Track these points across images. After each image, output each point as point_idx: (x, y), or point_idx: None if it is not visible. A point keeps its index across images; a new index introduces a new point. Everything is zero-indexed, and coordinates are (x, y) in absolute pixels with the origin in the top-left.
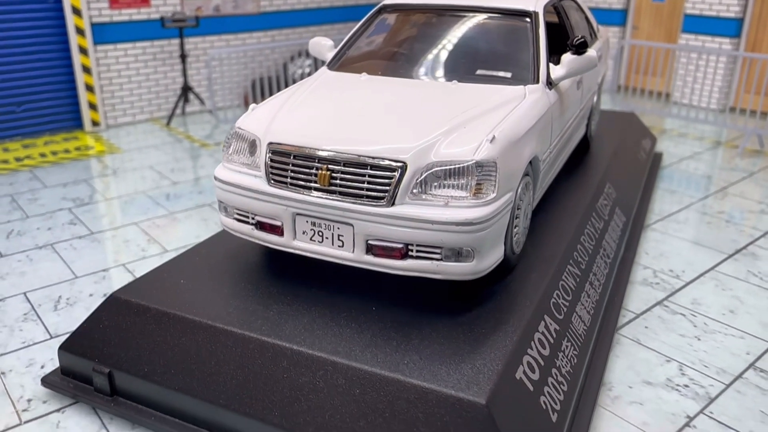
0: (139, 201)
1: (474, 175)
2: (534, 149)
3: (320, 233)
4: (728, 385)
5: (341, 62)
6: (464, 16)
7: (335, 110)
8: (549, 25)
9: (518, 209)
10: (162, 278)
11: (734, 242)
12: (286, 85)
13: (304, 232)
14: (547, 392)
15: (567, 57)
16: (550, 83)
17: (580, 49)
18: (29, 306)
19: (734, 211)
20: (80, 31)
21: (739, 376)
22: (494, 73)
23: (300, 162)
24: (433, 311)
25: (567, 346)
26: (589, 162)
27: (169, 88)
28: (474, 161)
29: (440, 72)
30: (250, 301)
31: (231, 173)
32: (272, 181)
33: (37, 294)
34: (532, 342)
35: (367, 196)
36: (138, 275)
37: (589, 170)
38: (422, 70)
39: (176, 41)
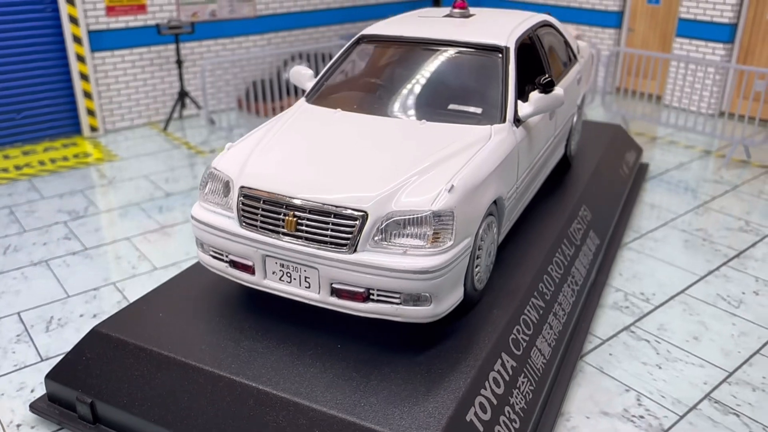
0: (132, 214)
1: (431, 225)
2: (497, 190)
3: (288, 274)
4: (681, 417)
5: (319, 94)
6: (438, 50)
7: (305, 153)
8: (525, 55)
9: (480, 249)
10: (142, 311)
11: (708, 263)
12: (280, 89)
13: (273, 272)
14: (498, 431)
15: (534, 96)
16: (518, 120)
17: (547, 87)
18: (22, 327)
19: (712, 229)
20: (77, 39)
21: (694, 407)
22: (463, 109)
23: (269, 207)
24: (394, 349)
25: (523, 382)
26: (567, 183)
27: (166, 93)
28: (431, 212)
29: (411, 109)
30: (222, 337)
31: (206, 213)
32: (244, 224)
33: (30, 314)
34: (487, 382)
35: (331, 243)
36: (127, 294)
37: (565, 193)
38: (394, 107)
39: (173, 47)
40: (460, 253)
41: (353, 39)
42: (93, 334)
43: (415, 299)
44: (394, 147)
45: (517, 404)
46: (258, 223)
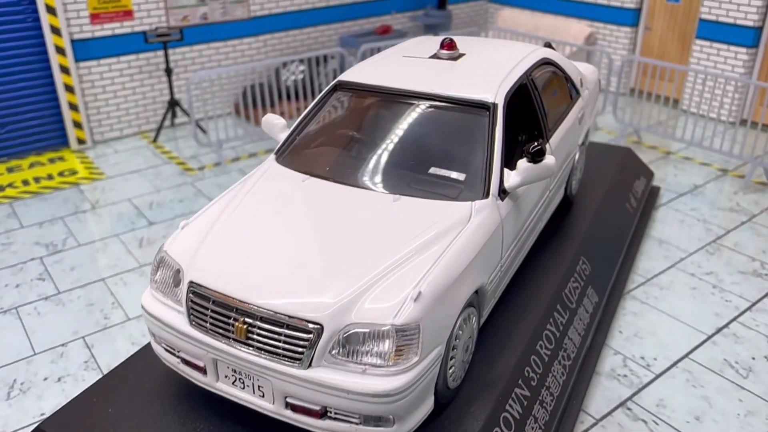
0: (111, 248)
1: (393, 341)
2: (477, 281)
3: (242, 380)
4: None
5: (290, 150)
6: (418, 105)
7: (263, 242)
8: (518, 105)
9: (454, 349)
10: (91, 406)
11: (717, 317)
12: (279, 93)
13: (226, 376)
14: None
15: (522, 165)
16: (504, 191)
17: (537, 157)
18: None
19: (724, 272)
20: (60, 50)
21: None
22: (444, 177)
23: (219, 309)
24: None
25: None
26: (566, 230)
27: (156, 101)
28: (393, 326)
29: (386, 177)
30: None
31: (156, 304)
32: (193, 322)
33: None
34: None
35: (284, 356)
36: (96, 352)
37: (562, 245)
38: (368, 175)
39: (162, 53)
40: (428, 366)
41: (330, 86)
42: None
43: (376, 420)
44: (362, 235)
45: None
46: (208, 325)
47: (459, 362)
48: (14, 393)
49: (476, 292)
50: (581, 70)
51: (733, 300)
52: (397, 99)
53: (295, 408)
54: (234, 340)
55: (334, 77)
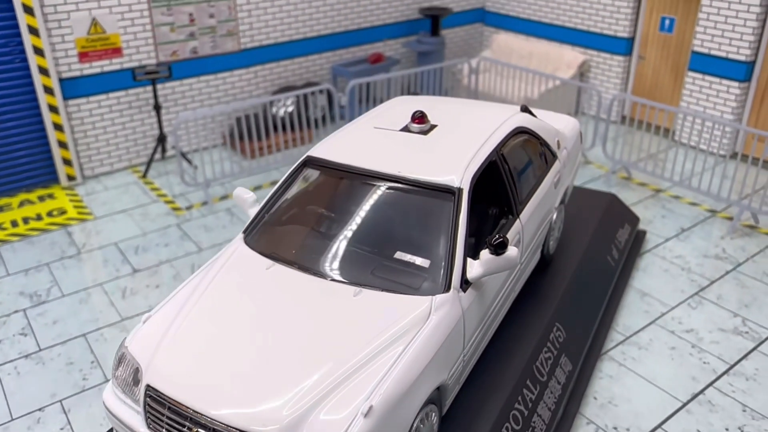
0: (94, 300)
1: None
2: (435, 380)
3: None
4: None
5: (259, 229)
6: (384, 186)
7: (223, 343)
8: (486, 183)
9: None
10: None
11: (694, 381)
12: (266, 124)
13: None
14: None
15: (485, 256)
16: (467, 281)
17: (499, 249)
18: None
19: (704, 330)
20: (48, 90)
21: None
22: (406, 267)
23: (174, 417)
24: None
25: None
26: (542, 293)
27: (147, 135)
28: None
29: (348, 265)
30: None
31: (116, 401)
32: (150, 426)
33: None
34: None
35: None
36: (72, 417)
37: (537, 310)
38: (330, 263)
39: (152, 88)
40: None
41: (299, 162)
42: None
43: None
44: (321, 335)
45: None
46: (164, 431)
47: None
48: None
49: (437, 388)
50: (561, 126)
51: (711, 362)
52: (363, 179)
53: None
54: None
55: (323, 114)
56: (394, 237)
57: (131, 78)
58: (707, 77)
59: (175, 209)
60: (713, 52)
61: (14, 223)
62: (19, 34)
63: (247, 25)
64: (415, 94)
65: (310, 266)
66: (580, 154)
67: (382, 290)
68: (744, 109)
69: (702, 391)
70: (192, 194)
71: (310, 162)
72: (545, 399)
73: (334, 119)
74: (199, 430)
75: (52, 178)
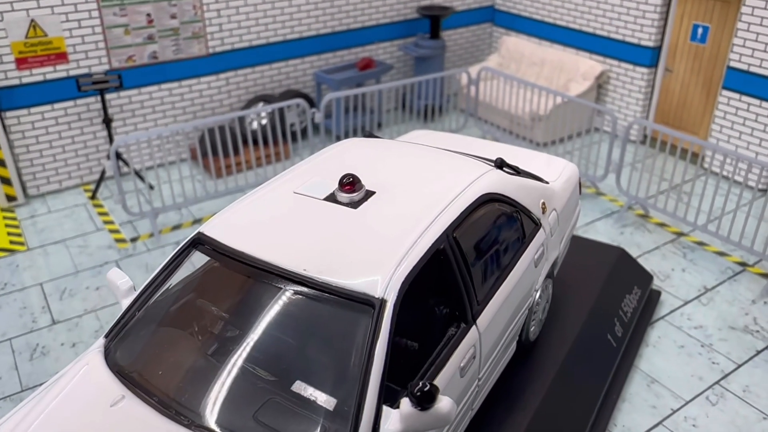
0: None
1: None
2: None
3: None
4: None
5: (126, 332)
6: (288, 289)
7: None
8: (431, 274)
9: None
10: None
11: None
12: (235, 138)
13: None
14: None
15: (406, 408)
16: None
17: (425, 402)
18: None
19: None
20: None
21: None
22: (302, 407)
23: None
24: None
25: None
26: (516, 394)
27: (99, 149)
28: None
29: (224, 408)
30: None
31: None
32: None
33: None
34: None
35: None
36: None
37: (508, 418)
38: (198, 401)
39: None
40: None
41: (188, 240)
42: None
43: None
44: None
45: None
46: None
47: None
48: None
49: None
50: (553, 177)
51: None
52: (261, 275)
53: None
54: None
55: (293, 133)
56: (286, 361)
57: (76, 88)
58: (745, 98)
59: (119, 240)
60: (753, 69)
61: None
62: None
63: (215, 26)
64: (371, 135)
65: (174, 401)
66: (578, 207)
67: None
68: None
69: None
70: (141, 222)
71: (201, 241)
72: None
73: (318, 129)
74: None
75: None
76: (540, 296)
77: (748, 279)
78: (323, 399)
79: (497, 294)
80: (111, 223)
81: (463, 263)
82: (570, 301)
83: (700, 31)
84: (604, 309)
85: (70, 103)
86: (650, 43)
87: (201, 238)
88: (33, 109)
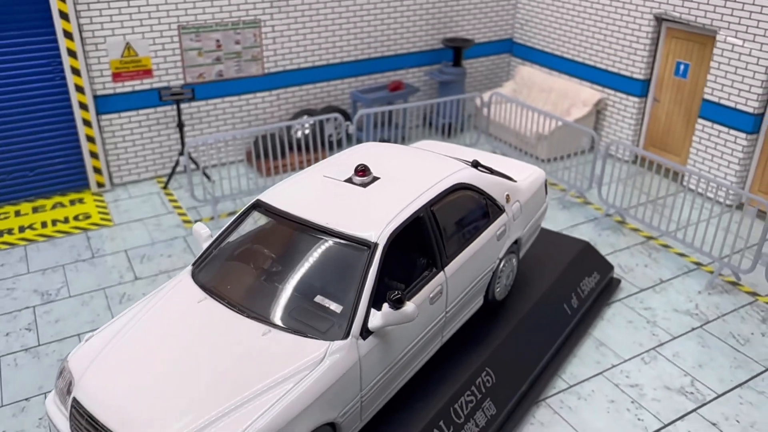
0: (96, 302)
1: None
2: (321, 418)
3: None
4: None
5: (205, 264)
6: (314, 234)
7: (142, 369)
8: (410, 236)
9: None
10: None
11: None
12: (283, 145)
13: None
14: None
15: (384, 309)
16: (367, 331)
17: (397, 304)
18: None
19: (649, 387)
20: (83, 106)
21: None
22: (314, 311)
23: (91, 430)
24: None
25: None
26: (479, 338)
27: (172, 149)
28: None
29: (266, 304)
30: None
31: (54, 409)
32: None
33: None
34: None
35: None
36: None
37: (469, 354)
38: (252, 301)
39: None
40: None
41: (249, 204)
42: None
43: None
44: (224, 369)
45: None
46: None
47: None
48: None
49: (330, 425)
50: (522, 178)
51: (646, 419)
52: (298, 226)
53: None
54: None
55: (330, 142)
56: (309, 285)
57: (158, 98)
58: (716, 126)
59: (185, 221)
60: (723, 102)
61: (44, 224)
62: (59, 56)
63: (271, 51)
64: (384, 141)
65: (236, 302)
66: (545, 203)
67: (288, 331)
68: (751, 160)
69: None
70: (204, 208)
71: (258, 205)
72: None
73: (351, 139)
74: None
75: (83, 184)
76: (504, 265)
77: (700, 275)
78: (334, 306)
79: (462, 253)
80: (179, 207)
81: (437, 228)
82: (535, 277)
83: (682, 67)
84: (564, 285)
85: (152, 110)
86: (640, 76)
87: (258, 202)
88: (122, 114)
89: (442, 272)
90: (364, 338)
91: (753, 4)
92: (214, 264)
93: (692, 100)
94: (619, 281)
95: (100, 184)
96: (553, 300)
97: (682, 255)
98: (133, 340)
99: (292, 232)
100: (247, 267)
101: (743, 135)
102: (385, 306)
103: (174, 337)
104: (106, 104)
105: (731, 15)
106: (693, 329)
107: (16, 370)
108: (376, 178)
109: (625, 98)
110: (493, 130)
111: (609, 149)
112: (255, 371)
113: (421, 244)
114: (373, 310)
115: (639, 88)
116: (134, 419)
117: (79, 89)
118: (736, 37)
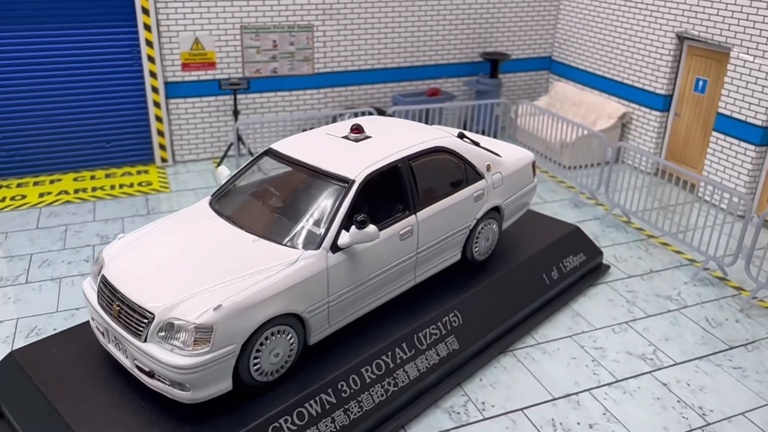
0: None
1: (192, 334)
2: (289, 307)
3: (118, 345)
4: None
5: (221, 194)
6: (308, 173)
7: (156, 258)
8: (385, 183)
9: (258, 352)
10: (46, 348)
11: (575, 385)
12: None
13: (111, 341)
14: None
15: (351, 230)
16: (337, 247)
17: (361, 225)
18: (14, 326)
19: (612, 350)
20: (155, 90)
21: None
22: (291, 230)
23: (109, 293)
24: (172, 414)
25: None
26: (454, 285)
27: (228, 134)
28: (194, 324)
29: (258, 222)
30: (86, 388)
31: (87, 287)
32: (98, 301)
33: (25, 320)
34: None
35: (132, 331)
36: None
37: (442, 295)
38: (249, 220)
39: (233, 97)
40: (218, 357)
41: (263, 150)
42: (9, 357)
43: (179, 385)
44: (217, 261)
45: None
46: (104, 304)
47: (266, 363)
48: (32, 334)
49: (297, 317)
50: (508, 155)
51: (601, 374)
52: (297, 167)
53: (139, 368)
54: (111, 316)
55: None
56: (296, 209)
57: (218, 87)
58: (728, 138)
59: None
60: (734, 115)
61: (112, 187)
62: (138, 45)
63: (321, 53)
64: (381, 113)
65: (237, 221)
66: (532, 182)
67: (272, 241)
68: (761, 171)
69: (577, 393)
70: None
71: (268, 152)
72: (417, 362)
73: None
74: (119, 303)
75: (149, 159)
76: (483, 228)
77: (691, 270)
78: (313, 227)
79: (436, 204)
80: None
81: (413, 178)
82: (520, 248)
83: (701, 83)
84: (546, 258)
85: (213, 98)
86: (662, 91)
87: (270, 150)
88: (188, 99)
89: (414, 216)
90: (334, 252)
91: (764, 23)
92: (227, 196)
93: (709, 114)
94: (608, 267)
95: (163, 159)
96: (533, 268)
97: (678, 252)
98: (153, 239)
99: (293, 173)
100: (252, 198)
101: (752, 147)
102: (353, 227)
103: (184, 239)
104: (174, 90)
105: (743, 33)
106: (669, 311)
107: (72, 288)
108: (368, 137)
109: (648, 112)
110: (521, 137)
111: (623, 155)
112: (241, 264)
113: (398, 192)
114: (343, 231)
115: (661, 102)
116: (143, 288)
117: (153, 75)
118: (747, 53)
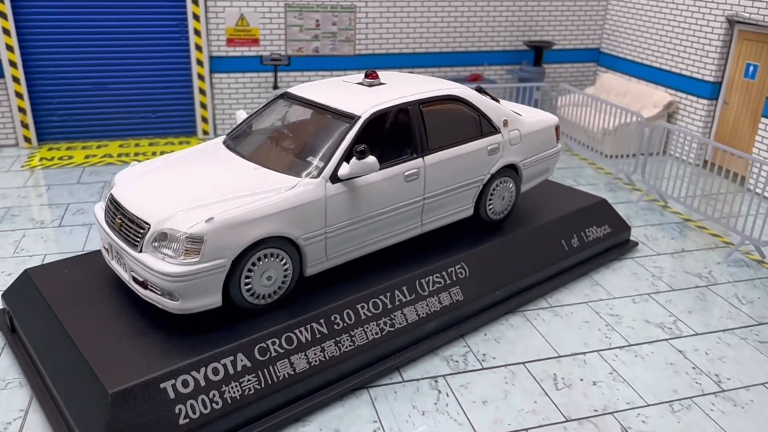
0: None
1: (183, 244)
2: (283, 229)
3: (119, 260)
4: None
5: (235, 133)
6: (320, 110)
7: (164, 181)
8: (393, 123)
9: (250, 272)
10: (59, 269)
11: (584, 345)
12: None
13: (113, 257)
14: (190, 404)
15: (351, 161)
16: (337, 178)
17: (361, 155)
18: (40, 262)
19: (629, 318)
20: (200, 63)
21: None
22: (293, 161)
23: (114, 209)
24: (165, 325)
25: (250, 380)
26: (465, 238)
27: None
28: (185, 234)
29: (263, 154)
30: (89, 303)
31: (98, 209)
32: (105, 218)
33: (52, 257)
34: (205, 368)
35: (130, 242)
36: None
37: (452, 247)
38: (253, 151)
39: (273, 74)
40: (207, 268)
41: (279, 94)
42: (24, 274)
43: (169, 294)
44: (217, 183)
45: (229, 393)
46: (108, 219)
47: (258, 285)
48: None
49: (293, 244)
50: (528, 116)
51: (614, 338)
52: (310, 106)
53: (135, 280)
54: (114, 230)
55: None
56: (303, 142)
57: (260, 62)
58: None
59: None
60: None
61: (154, 154)
62: (186, 19)
63: (363, 35)
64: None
65: (242, 153)
66: (555, 147)
67: (274, 170)
68: None
69: (584, 353)
70: None
71: (284, 95)
72: (417, 306)
73: None
74: (121, 216)
75: (191, 130)
76: (498, 186)
77: (726, 251)
78: (316, 160)
79: (445, 151)
80: None
81: (422, 122)
82: (539, 212)
83: (751, 68)
84: (567, 224)
85: (255, 74)
86: (711, 78)
87: (286, 93)
88: (231, 74)
89: (421, 159)
90: (333, 182)
91: None
92: (240, 135)
93: (758, 101)
94: (636, 243)
95: (205, 132)
96: (551, 233)
97: (715, 235)
98: (164, 165)
99: (304, 112)
100: (263, 136)
101: None
102: (353, 158)
103: (193, 167)
104: (218, 64)
105: None
106: (697, 287)
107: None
108: (382, 84)
109: (696, 101)
110: (563, 126)
111: (668, 145)
112: (240, 186)
113: (406, 134)
114: (344, 164)
115: (709, 90)
116: (144, 203)
117: (198, 48)
118: None
